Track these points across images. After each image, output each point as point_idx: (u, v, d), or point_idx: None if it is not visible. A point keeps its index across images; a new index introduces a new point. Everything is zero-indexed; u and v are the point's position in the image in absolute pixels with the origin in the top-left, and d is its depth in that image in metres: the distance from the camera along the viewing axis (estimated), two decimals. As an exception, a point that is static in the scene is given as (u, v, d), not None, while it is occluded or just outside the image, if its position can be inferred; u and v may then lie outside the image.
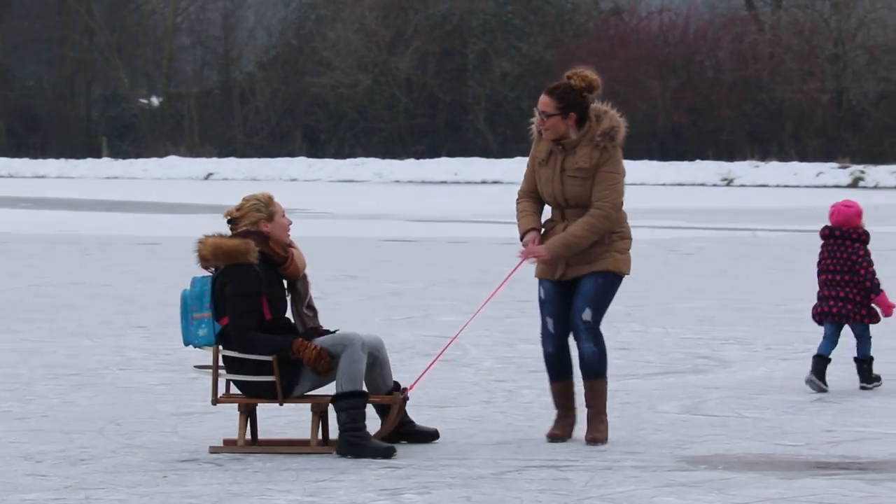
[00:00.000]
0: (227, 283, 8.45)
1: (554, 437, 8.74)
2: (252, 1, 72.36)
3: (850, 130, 61.46)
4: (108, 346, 12.93)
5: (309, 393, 8.60)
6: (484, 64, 65.54)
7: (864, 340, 11.07)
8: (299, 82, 68.02)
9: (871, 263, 11.21)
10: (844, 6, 63.94)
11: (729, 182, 56.77)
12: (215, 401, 8.63)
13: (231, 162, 62.97)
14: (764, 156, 58.73)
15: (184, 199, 42.38)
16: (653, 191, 52.06)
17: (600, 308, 8.90)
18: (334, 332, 8.72)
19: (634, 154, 61.92)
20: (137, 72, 72.46)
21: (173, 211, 37.08)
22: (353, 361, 8.41)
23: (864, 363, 11.05)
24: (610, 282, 8.91)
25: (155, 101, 71.24)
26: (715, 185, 56.77)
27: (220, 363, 8.57)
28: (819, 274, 11.27)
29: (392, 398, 8.62)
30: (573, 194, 9.06)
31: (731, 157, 61.07)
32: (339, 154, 65.49)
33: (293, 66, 68.85)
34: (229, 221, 8.72)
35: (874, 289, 11.10)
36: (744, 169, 57.52)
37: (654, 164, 59.90)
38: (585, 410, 8.75)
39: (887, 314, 11.08)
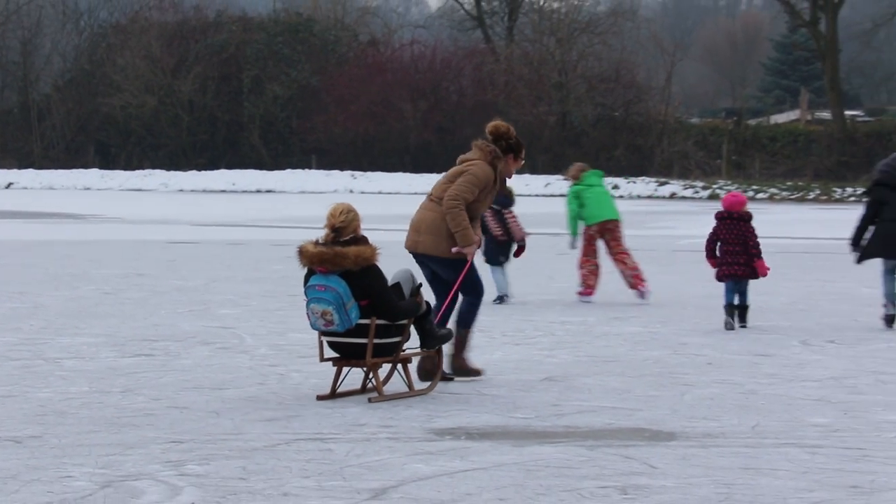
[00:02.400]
0: (373, 278, 9.42)
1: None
2: (48, 30, 70.84)
3: (573, 147, 62.62)
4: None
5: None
6: (258, 88, 65.19)
7: (746, 293, 13.57)
8: (92, 102, 66.88)
9: (756, 236, 13.64)
10: (567, 41, 65.15)
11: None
12: (322, 359, 9.69)
13: (30, 173, 61.59)
14: (565, 172, 59.48)
15: (-13, 206, 41.26)
16: (407, 199, 52.32)
17: None
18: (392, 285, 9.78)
19: (390, 167, 62.36)
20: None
21: (-23, 217, 36.05)
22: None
23: (745, 309, 13.53)
24: None
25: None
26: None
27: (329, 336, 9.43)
28: (720, 245, 13.66)
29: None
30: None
31: (472, 170, 61.42)
32: (129, 166, 64.51)
33: (86, 88, 67.63)
34: (334, 230, 9.46)
35: (758, 255, 13.56)
36: (484, 180, 58.00)
37: (408, 175, 60.31)
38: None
39: (763, 275, 13.57)
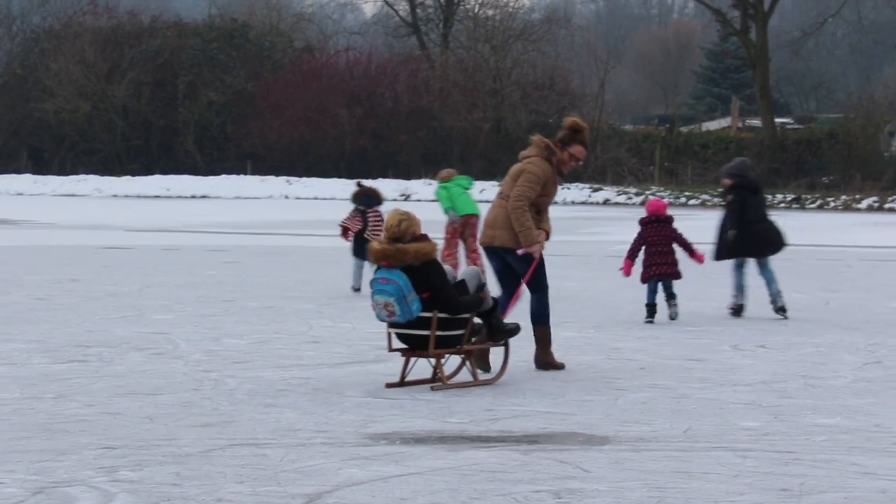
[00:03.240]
0: (433, 272, 10.08)
1: None
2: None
3: (508, 154, 62.68)
4: None
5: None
6: (193, 93, 64.87)
7: (672, 287, 14.59)
8: (25, 107, 66.29)
9: (683, 234, 14.64)
10: (501, 49, 65.31)
11: (406, 197, 57.37)
12: (390, 349, 10.33)
13: (-38, 178, 61.00)
14: (436, 175, 59.61)
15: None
16: (342, 204, 52.22)
17: None
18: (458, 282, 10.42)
19: (325, 173, 62.22)
20: None
21: None
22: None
23: (673, 296, 14.55)
24: None
25: None
26: (395, 200, 57.23)
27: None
28: (647, 248, 14.57)
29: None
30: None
31: (408, 175, 61.78)
32: (62, 171, 63.98)
33: (19, 93, 67.03)
34: (393, 240, 10.14)
35: (692, 249, 14.57)
36: (419, 186, 58.21)
37: (343, 181, 60.24)
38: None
39: (701, 262, 14.68)
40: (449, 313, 10.10)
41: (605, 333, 13.41)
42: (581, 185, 57.94)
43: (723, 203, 15.48)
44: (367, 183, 19.45)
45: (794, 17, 78.76)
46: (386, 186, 58.69)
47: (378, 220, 17.65)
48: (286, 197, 57.15)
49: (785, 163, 57.79)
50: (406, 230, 10.12)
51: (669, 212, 15.11)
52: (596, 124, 63.18)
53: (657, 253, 14.57)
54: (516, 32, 67.09)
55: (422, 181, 59.14)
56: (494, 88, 64.23)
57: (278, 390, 9.88)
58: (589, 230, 34.30)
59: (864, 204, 51.34)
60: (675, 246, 14.73)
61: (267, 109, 63.10)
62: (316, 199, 56.77)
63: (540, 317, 11.17)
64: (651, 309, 14.38)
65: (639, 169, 61.23)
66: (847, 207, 51.16)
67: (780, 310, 14.89)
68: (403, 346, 10.26)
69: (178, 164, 64.33)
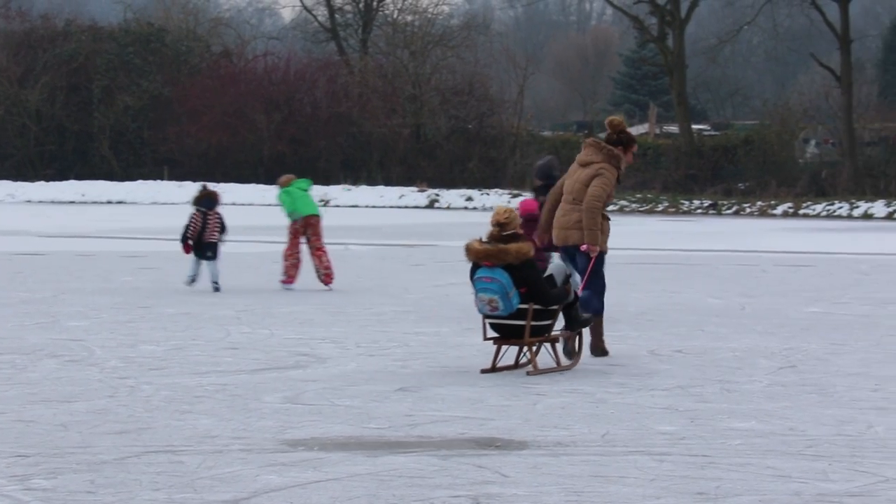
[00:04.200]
0: (531, 270, 11.08)
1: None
2: None
3: (427, 159, 62.87)
4: None
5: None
6: (108, 98, 64.32)
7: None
8: (-64, 111, 65.41)
9: None
10: (420, 54, 65.40)
11: (326, 203, 57.24)
12: (485, 338, 11.38)
13: None
14: (355, 180, 59.60)
15: None
16: (260, 210, 52.01)
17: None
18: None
19: (243, 178, 61.91)
20: None
21: None
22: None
23: None
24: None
25: None
26: (313, 206, 57.08)
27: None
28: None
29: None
30: None
31: (327, 181, 61.63)
32: (-26, 177, 63.22)
33: (-72, 97, 66.16)
34: (499, 225, 11.16)
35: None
36: (338, 192, 58.14)
37: (261, 187, 60.00)
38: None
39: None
40: (542, 305, 11.19)
41: (523, 339, 13.45)
42: (500, 192, 58.13)
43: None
44: (212, 187, 20.36)
45: (711, 25, 79.51)
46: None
47: (217, 222, 18.92)
48: (204, 202, 56.80)
49: (702, 169, 58.31)
50: (511, 221, 11.22)
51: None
52: (515, 130, 63.42)
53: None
54: (435, 38, 67.21)
55: (341, 187, 59.07)
56: (414, 94, 64.29)
57: (195, 397, 9.82)
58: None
59: (780, 210, 51.93)
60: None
61: (184, 114, 62.71)
62: (234, 204, 56.40)
63: (594, 309, 12.04)
64: None
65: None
66: (763, 213, 51.73)
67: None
68: (495, 334, 11.27)
69: (93, 169, 63.75)
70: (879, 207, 50.29)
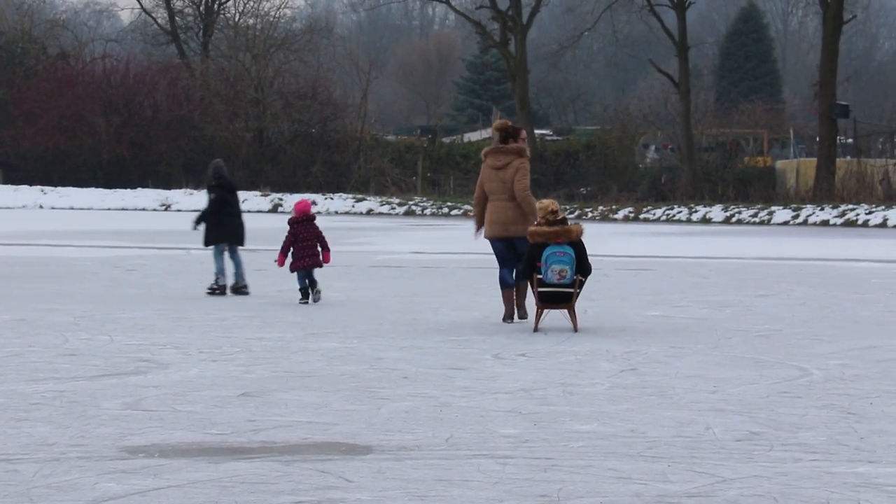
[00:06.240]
0: (582, 246, 14.33)
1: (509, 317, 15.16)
2: None
3: (270, 164, 62.57)
4: None
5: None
6: (-59, 99, 62.86)
7: (313, 276, 17.35)
8: None
9: (323, 233, 17.58)
10: (263, 58, 65.04)
11: (167, 207, 56.62)
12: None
13: None
14: (197, 185, 59.08)
15: None
16: (99, 215, 51.24)
17: None
18: None
19: (82, 182, 60.98)
20: None
21: None
22: None
23: (315, 282, 17.36)
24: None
25: None
26: (155, 210, 56.47)
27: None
28: (296, 243, 17.32)
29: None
30: None
31: (168, 185, 61.00)
32: None
33: None
34: (553, 213, 14.23)
35: (327, 247, 17.54)
36: (179, 196, 57.56)
37: (101, 191, 59.17)
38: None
39: (327, 262, 17.58)
40: (585, 276, 14.31)
41: (367, 343, 13.46)
42: (344, 196, 58.07)
43: (210, 199, 18.93)
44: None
45: (552, 31, 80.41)
46: (146, 196, 57.86)
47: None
48: (41, 207, 55.76)
49: (545, 174, 58.93)
50: (558, 210, 14.30)
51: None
52: (358, 134, 63.40)
53: (305, 247, 17.34)
54: (277, 42, 66.94)
55: (182, 191, 58.49)
56: (256, 98, 63.94)
57: (32, 404, 9.63)
58: (352, 240, 34.36)
59: (621, 214, 52.71)
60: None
61: (20, 117, 61.55)
62: (72, 208, 55.56)
63: (523, 276, 14.78)
64: (304, 292, 17.33)
65: (402, 179, 61.65)
66: (604, 218, 52.44)
67: (242, 289, 18.49)
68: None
69: (-76, 173, 62.31)
70: (717, 212, 51.34)
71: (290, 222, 17.54)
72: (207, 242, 18.83)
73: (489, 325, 15.19)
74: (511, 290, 15.02)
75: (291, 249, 17.43)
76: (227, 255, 18.85)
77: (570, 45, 64.17)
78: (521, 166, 14.94)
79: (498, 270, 15.24)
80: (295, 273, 17.45)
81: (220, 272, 18.62)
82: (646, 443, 8.44)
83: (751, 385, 10.81)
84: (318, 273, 17.68)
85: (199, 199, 55.80)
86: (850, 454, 8.13)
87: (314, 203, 54.88)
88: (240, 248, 18.92)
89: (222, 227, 18.70)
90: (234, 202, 18.95)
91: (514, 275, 14.98)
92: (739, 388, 10.61)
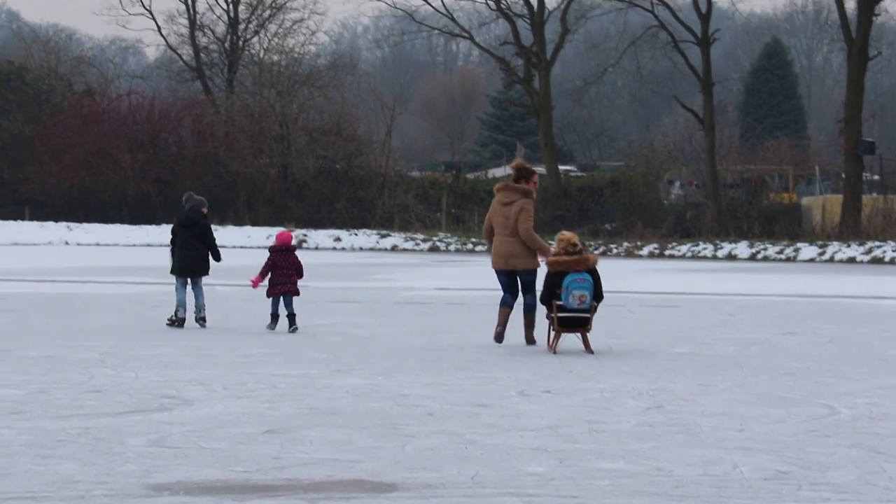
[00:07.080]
0: (597, 274, 15.69)
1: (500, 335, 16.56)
2: None
3: (295, 200, 62.70)
4: None
5: None
6: (-33, 136, 63.22)
7: (291, 304, 18.20)
8: None
9: (301, 262, 18.53)
10: (287, 94, 65.29)
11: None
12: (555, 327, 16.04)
13: None
14: (222, 221, 59.22)
15: None
16: (125, 251, 51.39)
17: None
18: None
19: (108, 219, 61.22)
20: None
21: None
22: None
23: (293, 315, 18.08)
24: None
25: None
26: (178, 247, 56.47)
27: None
28: (274, 270, 18.28)
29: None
30: None
31: (192, 222, 60.95)
32: None
33: None
34: (573, 245, 15.71)
35: (301, 274, 18.43)
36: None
37: (126, 227, 59.40)
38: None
39: (294, 285, 18.44)
40: (599, 302, 15.67)
41: (392, 380, 13.44)
42: (369, 232, 58.14)
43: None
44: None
45: (576, 66, 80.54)
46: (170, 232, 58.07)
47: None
48: (66, 243, 55.97)
49: (569, 209, 58.92)
50: (578, 242, 15.71)
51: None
52: (383, 170, 63.52)
53: (283, 275, 18.30)
54: (302, 78, 67.16)
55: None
56: (281, 134, 64.15)
57: (57, 441, 9.64)
58: (377, 276, 34.37)
59: (646, 251, 52.63)
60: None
61: (46, 154, 61.87)
62: (98, 244, 55.77)
63: (534, 307, 16.47)
64: (274, 317, 18.29)
65: (426, 215, 61.69)
66: (629, 254, 52.37)
67: (201, 320, 18.88)
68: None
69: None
70: (743, 248, 51.22)
71: (271, 250, 18.62)
72: (171, 272, 19.56)
73: (514, 362, 15.17)
74: (508, 309, 16.52)
75: (269, 275, 18.43)
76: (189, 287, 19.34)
77: (594, 80, 64.25)
78: (525, 206, 16.36)
79: (502, 294, 16.83)
80: (270, 298, 18.47)
81: (180, 304, 19.05)
82: (672, 481, 8.40)
83: (778, 423, 10.76)
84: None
85: (223, 235, 55.98)
86: (879, 494, 8.08)
87: (304, 237, 55.07)
88: (204, 278, 19.44)
89: (180, 261, 19.34)
90: (188, 235, 19.32)
91: (515, 300, 16.59)
92: (767, 427, 10.56)
